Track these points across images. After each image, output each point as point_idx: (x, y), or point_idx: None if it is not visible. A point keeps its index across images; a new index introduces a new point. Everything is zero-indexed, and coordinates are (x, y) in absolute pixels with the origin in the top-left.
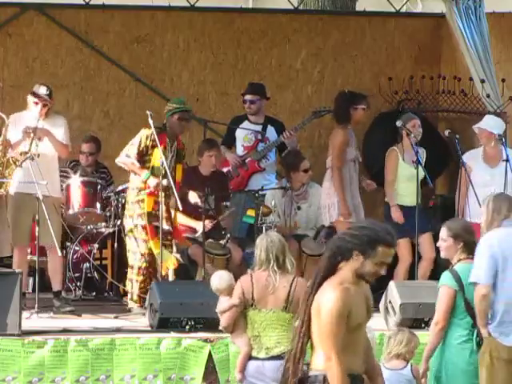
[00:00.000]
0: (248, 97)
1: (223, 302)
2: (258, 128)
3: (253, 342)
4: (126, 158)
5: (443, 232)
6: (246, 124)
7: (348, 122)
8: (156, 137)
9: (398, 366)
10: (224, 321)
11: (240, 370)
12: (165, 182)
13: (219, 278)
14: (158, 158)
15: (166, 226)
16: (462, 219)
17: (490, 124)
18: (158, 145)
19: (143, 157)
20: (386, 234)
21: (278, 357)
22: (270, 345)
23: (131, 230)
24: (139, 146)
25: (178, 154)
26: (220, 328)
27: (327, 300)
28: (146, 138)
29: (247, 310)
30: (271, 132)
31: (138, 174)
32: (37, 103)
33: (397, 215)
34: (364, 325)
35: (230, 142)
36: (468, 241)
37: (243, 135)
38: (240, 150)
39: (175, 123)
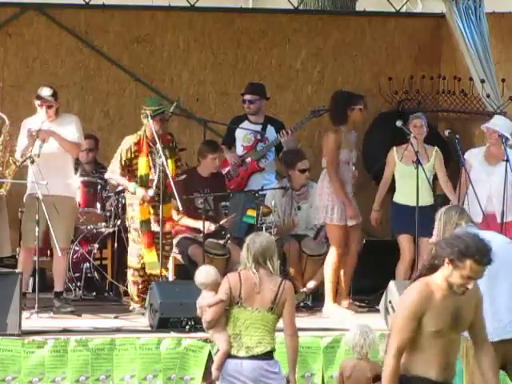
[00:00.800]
0: (247, 96)
1: (208, 297)
2: (258, 128)
3: (233, 340)
4: (111, 173)
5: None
6: (245, 124)
7: (343, 124)
8: (156, 137)
9: None
10: (209, 315)
11: (217, 367)
12: (151, 192)
13: (206, 273)
14: (143, 167)
15: (157, 228)
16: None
17: (498, 124)
18: (159, 143)
19: (128, 168)
20: (477, 250)
21: (258, 356)
22: (250, 344)
23: (129, 232)
24: (121, 160)
25: (168, 149)
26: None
27: (405, 294)
28: (127, 151)
29: (231, 308)
30: (271, 132)
31: (126, 188)
32: (41, 106)
33: (373, 221)
34: (448, 335)
35: (230, 142)
36: None
37: (243, 135)
38: (240, 150)
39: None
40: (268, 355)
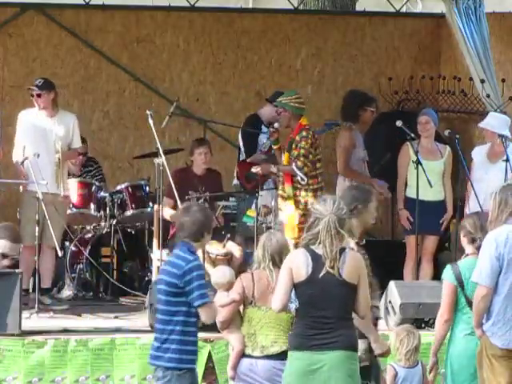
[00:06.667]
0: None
1: (222, 297)
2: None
3: (247, 340)
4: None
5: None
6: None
7: (355, 122)
8: (155, 135)
9: (413, 364)
10: (222, 316)
11: (232, 367)
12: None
13: (223, 273)
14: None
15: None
16: (475, 215)
17: (492, 123)
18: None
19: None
20: None
21: (272, 356)
22: (265, 343)
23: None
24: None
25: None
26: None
27: None
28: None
29: (245, 308)
30: None
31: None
32: (32, 96)
33: (404, 221)
34: None
35: (252, 151)
36: (475, 237)
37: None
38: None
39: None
40: (282, 355)
